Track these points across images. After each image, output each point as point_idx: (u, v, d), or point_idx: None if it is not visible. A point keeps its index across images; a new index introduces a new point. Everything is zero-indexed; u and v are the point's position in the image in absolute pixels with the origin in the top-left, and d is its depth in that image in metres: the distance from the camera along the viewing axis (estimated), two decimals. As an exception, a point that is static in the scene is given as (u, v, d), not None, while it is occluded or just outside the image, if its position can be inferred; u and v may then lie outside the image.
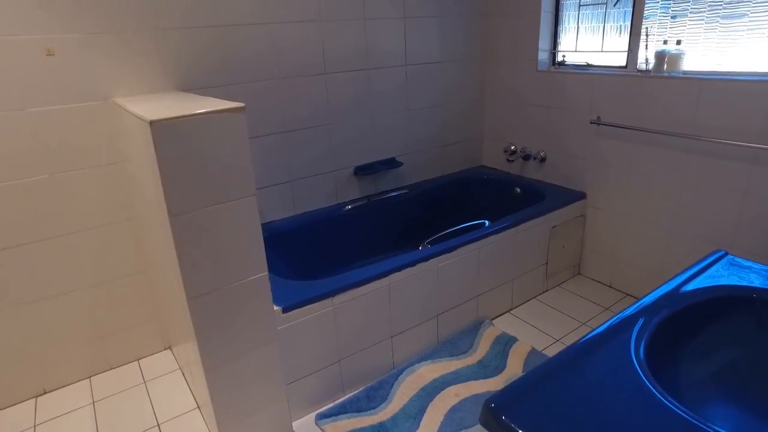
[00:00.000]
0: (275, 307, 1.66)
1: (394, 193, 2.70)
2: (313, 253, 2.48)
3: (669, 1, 2.15)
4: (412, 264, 1.98)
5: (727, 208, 2.08)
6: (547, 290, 2.61)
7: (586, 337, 0.97)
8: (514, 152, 2.89)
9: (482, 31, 2.86)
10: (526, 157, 2.83)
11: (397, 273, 1.94)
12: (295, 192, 2.44)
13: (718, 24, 2.04)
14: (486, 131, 3.07)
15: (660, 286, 1.14)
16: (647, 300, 1.07)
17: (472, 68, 2.89)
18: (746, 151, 1.96)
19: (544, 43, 2.62)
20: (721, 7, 2.02)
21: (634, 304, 1.06)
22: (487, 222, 2.32)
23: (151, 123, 1.24)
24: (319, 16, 2.26)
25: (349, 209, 2.55)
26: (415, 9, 2.56)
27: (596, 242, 2.63)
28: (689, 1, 2.09)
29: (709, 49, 2.09)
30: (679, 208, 2.23)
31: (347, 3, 2.32)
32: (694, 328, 1.07)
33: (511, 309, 2.46)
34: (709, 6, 2.05)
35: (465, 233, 2.22)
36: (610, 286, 2.61)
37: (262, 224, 2.36)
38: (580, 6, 2.49)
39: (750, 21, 1.96)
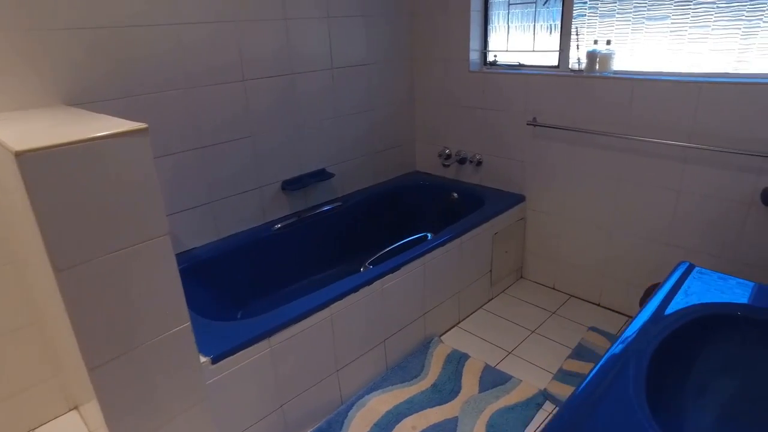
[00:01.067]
0: (202, 359, 1.41)
1: (326, 208, 2.50)
2: (242, 281, 2.23)
3: (597, 1, 2.14)
4: (355, 289, 1.80)
5: (662, 206, 2.09)
6: (492, 298, 2.53)
7: (581, 390, 0.85)
8: (449, 156, 2.80)
9: (410, 31, 2.73)
10: (462, 161, 2.74)
11: (339, 302, 1.75)
12: (216, 214, 2.16)
13: (643, 25, 2.05)
14: (418, 135, 2.95)
15: (639, 313, 1.05)
16: (631, 332, 0.97)
17: (400, 69, 2.75)
18: (678, 149, 1.98)
19: (474, 42, 2.54)
20: (645, 9, 2.02)
21: (619, 339, 0.95)
22: (429, 235, 2.20)
23: (18, 154, 0.96)
24: (234, 15, 2.01)
25: (279, 229, 2.32)
26: (340, 8, 2.37)
27: (538, 245, 2.59)
28: (616, 2, 2.09)
29: (636, 50, 2.09)
30: (617, 206, 2.23)
31: (265, 1, 2.09)
32: (685, 356, 0.99)
33: (459, 322, 2.36)
34: (634, 7, 2.05)
35: (408, 249, 2.08)
36: (553, 288, 2.59)
37: (179, 253, 2.07)
38: (509, 5, 2.43)
39: (672, 23, 1.97)
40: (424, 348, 2.16)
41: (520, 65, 2.47)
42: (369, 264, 1.97)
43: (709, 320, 1.03)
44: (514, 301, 2.50)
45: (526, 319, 2.35)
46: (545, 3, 2.29)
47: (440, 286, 2.19)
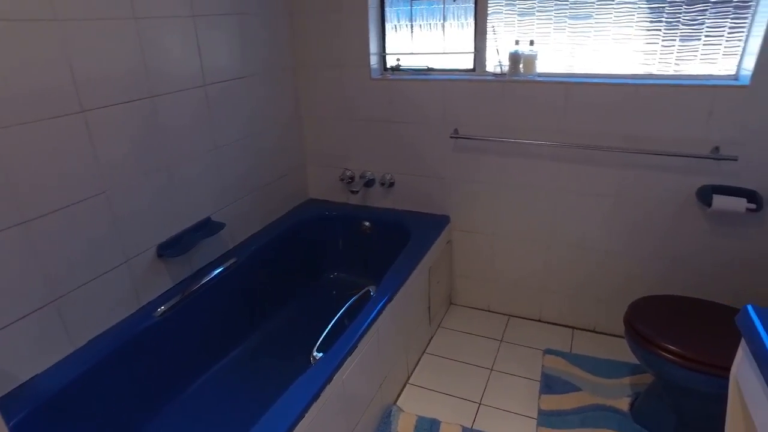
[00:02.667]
0: None
1: (218, 270, 1.87)
2: (123, 401, 1.53)
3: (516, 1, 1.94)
4: (316, 396, 1.31)
5: (600, 213, 2.00)
6: (432, 337, 2.23)
7: None
8: (352, 179, 2.38)
9: (291, 33, 2.22)
10: (369, 183, 2.35)
11: (301, 422, 1.25)
12: (65, 315, 1.42)
13: (566, 24, 1.91)
14: (309, 158, 2.46)
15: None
16: None
17: (283, 81, 2.22)
18: (614, 155, 1.89)
19: (374, 45, 2.15)
20: (567, 7, 1.88)
21: None
22: (371, 290, 1.80)
23: None
24: (54, 10, 1.29)
25: (163, 313, 1.65)
26: (207, 3, 1.77)
27: (467, 267, 2.35)
28: (534, 1, 1.91)
29: (561, 50, 1.95)
30: (553, 217, 2.09)
31: (99, -8, 1.40)
32: None
33: (409, 378, 2.00)
34: (555, 5, 1.89)
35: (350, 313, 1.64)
36: (489, 311, 2.38)
37: (7, 394, 1.30)
38: (412, 1, 2.09)
39: (596, 23, 1.87)
40: (385, 425, 1.75)
41: (429, 69, 2.17)
42: (316, 352, 1.49)
43: None
44: (456, 335, 2.23)
45: (477, 354, 2.10)
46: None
47: (392, 346, 1.80)
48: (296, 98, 2.33)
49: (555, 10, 1.89)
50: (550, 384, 1.91)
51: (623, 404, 1.80)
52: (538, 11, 1.92)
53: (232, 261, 1.94)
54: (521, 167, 2.06)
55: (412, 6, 2.10)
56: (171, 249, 1.71)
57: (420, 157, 2.23)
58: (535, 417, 1.77)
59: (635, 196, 1.92)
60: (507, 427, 1.74)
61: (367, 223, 2.32)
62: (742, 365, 1.11)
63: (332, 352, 1.45)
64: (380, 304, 1.65)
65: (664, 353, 1.53)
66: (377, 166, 2.33)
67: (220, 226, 1.88)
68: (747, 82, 1.65)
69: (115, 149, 1.51)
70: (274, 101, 2.18)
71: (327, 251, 2.41)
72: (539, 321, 2.29)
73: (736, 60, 1.74)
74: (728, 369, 1.45)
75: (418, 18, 2.12)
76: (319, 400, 1.31)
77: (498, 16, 1.97)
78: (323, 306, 2.30)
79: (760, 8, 1.63)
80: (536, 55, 1.94)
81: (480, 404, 1.85)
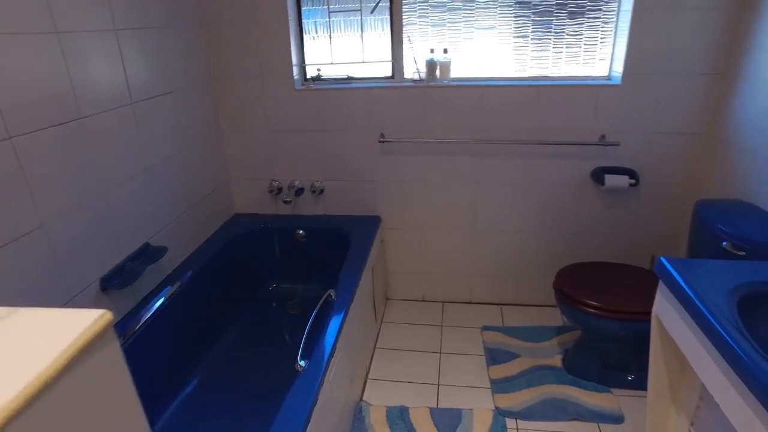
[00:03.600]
0: None
1: (160, 301, 1.76)
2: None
3: (427, 10, 2.11)
4: (314, 403, 1.33)
5: (515, 198, 2.27)
6: (379, 332, 2.32)
7: None
8: (280, 190, 2.37)
9: (210, 46, 2.15)
10: (299, 192, 2.37)
11: (308, 428, 1.27)
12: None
13: (474, 34, 2.14)
14: (233, 172, 2.39)
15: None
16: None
17: (205, 95, 2.14)
18: (522, 147, 2.17)
19: (294, 56, 2.18)
20: (474, 19, 2.11)
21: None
22: (332, 293, 1.82)
23: None
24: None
25: (115, 349, 1.53)
26: (129, 17, 1.65)
27: (399, 262, 2.49)
28: (446, 11, 2.11)
29: (471, 56, 2.18)
30: (474, 207, 2.32)
31: (19, 3, 1.26)
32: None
33: (368, 373, 2.07)
34: (464, 17, 2.11)
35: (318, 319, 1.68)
36: (424, 300, 2.55)
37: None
38: (330, 13, 2.16)
39: (499, 33, 2.12)
40: (359, 421, 1.81)
41: (350, 78, 2.26)
42: (300, 361, 1.49)
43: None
44: (399, 327, 2.36)
45: (424, 341, 2.25)
46: (372, 11, 2.13)
47: (356, 346, 1.86)
48: (217, 112, 2.26)
49: (464, 21, 2.11)
50: (493, 356, 2.13)
51: (557, 361, 2.08)
52: (449, 23, 2.12)
53: (176, 286, 1.84)
54: (444, 164, 2.26)
55: (330, 18, 2.18)
56: (116, 281, 1.58)
57: (348, 162, 2.31)
58: (489, 387, 1.97)
59: (542, 181, 2.23)
60: (468, 400, 1.91)
61: (301, 232, 2.34)
62: (661, 304, 1.39)
63: (316, 358, 1.48)
64: (345, 308, 1.71)
65: (587, 309, 1.83)
66: (306, 175, 2.36)
67: (162, 250, 1.77)
68: (619, 82, 2.02)
69: (49, 178, 1.36)
70: (197, 116, 2.10)
71: (264, 264, 2.38)
72: (471, 303, 2.52)
73: (608, 64, 2.11)
74: (636, 314, 1.78)
75: (336, 29, 2.20)
76: (317, 405, 1.34)
77: (413, 27, 2.14)
78: (266, 320, 2.27)
79: (621, 22, 2.00)
80: (450, 61, 2.14)
81: (439, 385, 2.00)
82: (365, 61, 2.23)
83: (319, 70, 2.25)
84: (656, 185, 2.14)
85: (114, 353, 0.50)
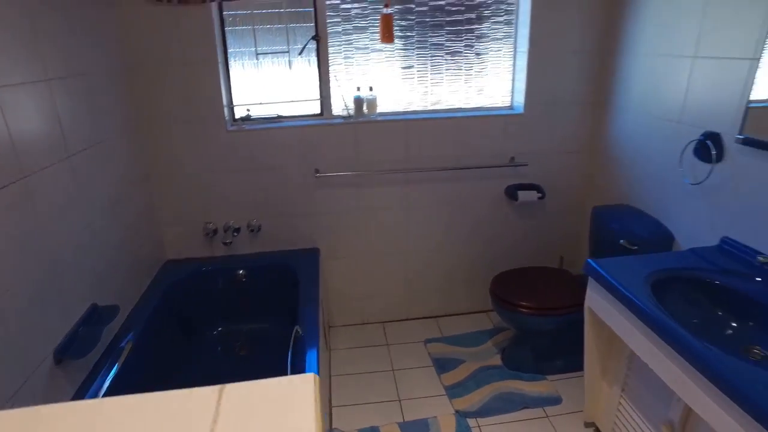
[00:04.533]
0: None
1: (115, 368, 1.64)
2: None
3: (352, 51, 2.25)
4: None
5: (444, 219, 2.50)
6: (330, 360, 2.37)
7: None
8: (215, 232, 2.32)
9: (137, 91, 2.05)
10: (236, 232, 2.34)
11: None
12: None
13: (396, 72, 2.33)
14: (164, 218, 2.27)
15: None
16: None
17: (137, 141, 2.03)
18: (448, 173, 2.41)
19: (225, 97, 2.17)
20: (395, 58, 2.30)
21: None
22: (299, 329, 1.83)
23: None
24: None
25: None
26: (57, 65, 1.54)
27: (339, 290, 2.57)
28: (369, 52, 2.27)
29: (395, 93, 2.36)
30: (407, 231, 2.50)
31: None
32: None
33: (331, 401, 2.11)
34: (386, 57, 2.29)
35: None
36: (365, 324, 2.65)
37: None
38: (257, 55, 2.19)
39: (417, 71, 2.35)
40: (336, 451, 1.85)
41: (279, 117, 2.31)
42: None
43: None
44: (348, 352, 2.43)
45: (375, 362, 2.35)
46: (300, 53, 2.22)
47: (322, 377, 1.91)
48: (147, 159, 2.15)
49: (386, 61, 2.30)
50: (441, 365, 2.31)
51: (497, 360, 2.33)
52: (373, 62, 2.29)
53: (128, 347, 1.72)
54: (377, 194, 2.41)
55: (258, 60, 2.21)
56: (71, 351, 1.45)
57: (284, 198, 2.35)
58: (445, 393, 2.14)
59: (465, 201, 2.49)
60: (430, 409, 2.06)
61: (241, 272, 2.31)
62: (592, 296, 1.69)
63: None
64: (316, 342, 1.76)
65: (522, 309, 2.10)
66: (241, 214, 2.34)
67: (112, 309, 1.65)
68: (521, 111, 2.36)
69: (-2, 247, 1.23)
70: (129, 164, 1.98)
71: (206, 309, 2.29)
72: (409, 320, 2.68)
73: (511, 96, 2.45)
74: (561, 308, 2.08)
75: (264, 68, 2.24)
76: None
77: (339, 66, 2.27)
78: (217, 365, 2.20)
79: (518, 62, 2.35)
80: (376, 98, 2.31)
81: (400, 400, 2.12)
82: (294, 100, 2.30)
83: (248, 110, 2.27)
84: (559, 197, 2.52)
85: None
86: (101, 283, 1.73)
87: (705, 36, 1.71)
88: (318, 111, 2.34)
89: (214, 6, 2.06)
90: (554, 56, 2.26)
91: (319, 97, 2.31)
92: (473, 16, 2.29)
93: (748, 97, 1.55)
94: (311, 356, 1.67)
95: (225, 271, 2.31)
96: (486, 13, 2.30)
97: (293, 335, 1.78)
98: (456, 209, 2.50)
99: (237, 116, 2.29)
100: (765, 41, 1.49)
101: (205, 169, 2.25)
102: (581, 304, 2.04)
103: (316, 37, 2.20)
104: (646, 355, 1.42)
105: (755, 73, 1.53)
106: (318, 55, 2.24)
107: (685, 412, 1.41)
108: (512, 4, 2.30)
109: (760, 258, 1.48)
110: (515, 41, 2.35)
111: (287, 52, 2.22)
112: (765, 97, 1.51)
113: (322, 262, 2.47)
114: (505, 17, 2.32)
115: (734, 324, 1.47)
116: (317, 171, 2.31)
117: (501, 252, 2.62)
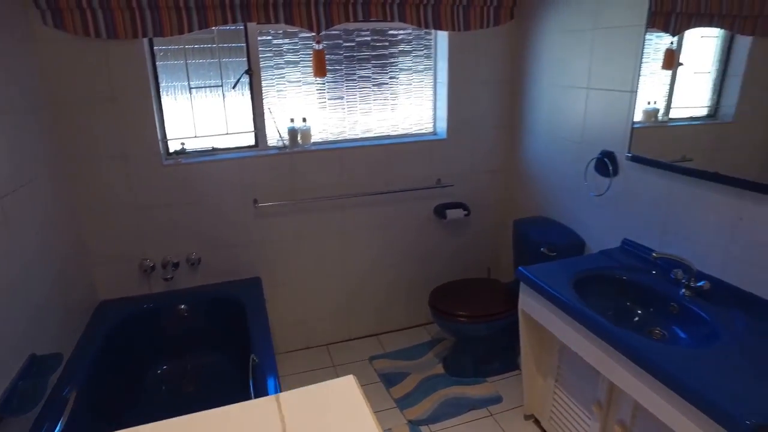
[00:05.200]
0: None
1: (61, 425, 1.55)
2: None
3: (285, 84, 2.33)
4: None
5: (378, 241, 2.63)
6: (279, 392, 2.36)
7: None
8: (153, 267, 2.25)
9: (71, 127, 1.97)
10: (175, 266, 2.28)
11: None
12: None
13: (326, 103, 2.44)
14: (97, 258, 2.16)
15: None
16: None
17: (65, 179, 1.93)
18: (381, 196, 2.55)
19: (160, 131, 2.14)
20: (326, 91, 2.42)
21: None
22: (254, 358, 1.82)
23: None
24: None
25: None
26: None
27: (281, 317, 2.59)
28: (301, 85, 2.37)
29: (328, 122, 2.47)
30: (345, 253, 2.59)
31: None
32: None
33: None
34: (317, 90, 2.40)
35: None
36: (309, 348, 2.68)
37: None
38: (191, 89, 2.19)
39: (347, 102, 2.48)
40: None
41: (214, 149, 2.31)
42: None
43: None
44: (296, 377, 2.45)
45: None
46: (234, 86, 2.25)
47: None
48: (76, 196, 2.05)
49: (317, 93, 2.41)
50: (389, 380, 2.41)
51: (439, 369, 2.47)
52: (305, 94, 2.39)
53: (72, 398, 1.63)
54: (315, 220, 2.49)
55: (191, 94, 2.22)
56: (11, 408, 1.36)
57: (224, 230, 2.35)
58: (395, 406, 2.24)
59: (397, 222, 2.64)
60: (384, 422, 2.14)
61: (182, 306, 2.26)
62: (525, 299, 1.90)
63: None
64: (274, 369, 1.78)
65: (460, 318, 2.27)
66: (180, 248, 2.30)
67: (54, 358, 1.56)
68: (444, 136, 2.58)
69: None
70: (58, 203, 1.88)
71: (148, 347, 2.20)
72: (351, 339, 2.76)
73: (433, 122, 2.67)
74: (494, 314, 2.28)
75: (197, 101, 2.24)
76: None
77: (273, 98, 2.34)
78: (163, 405, 2.12)
79: (439, 92, 2.58)
80: (310, 128, 2.41)
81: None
82: (229, 132, 2.33)
83: (183, 143, 2.26)
84: (483, 213, 2.77)
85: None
86: (37, 330, 1.63)
87: (594, 71, 2.03)
88: (253, 142, 2.39)
89: (145, 40, 2.06)
90: (470, 86, 2.52)
91: (253, 129, 2.36)
92: (396, 50, 2.49)
93: (632, 121, 1.87)
94: (271, 382, 1.70)
95: (165, 308, 2.24)
96: (407, 48, 2.51)
97: (250, 364, 1.80)
98: (390, 230, 2.64)
99: (171, 150, 2.26)
100: (638, 77, 1.82)
101: (140, 205, 2.19)
102: (511, 309, 2.27)
103: (249, 72, 2.26)
104: (574, 344, 1.64)
105: (635, 102, 1.85)
106: (251, 89, 2.30)
107: (609, 389, 1.64)
108: (430, 40, 2.53)
109: (654, 254, 1.77)
110: (435, 73, 2.58)
111: (220, 85, 2.25)
112: (638, 121, 1.84)
113: (265, 290, 2.48)
114: (425, 51, 2.54)
115: (639, 311, 1.74)
116: (256, 201, 2.34)
117: (434, 267, 2.80)
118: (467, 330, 2.31)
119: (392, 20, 2.26)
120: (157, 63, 2.15)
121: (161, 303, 2.25)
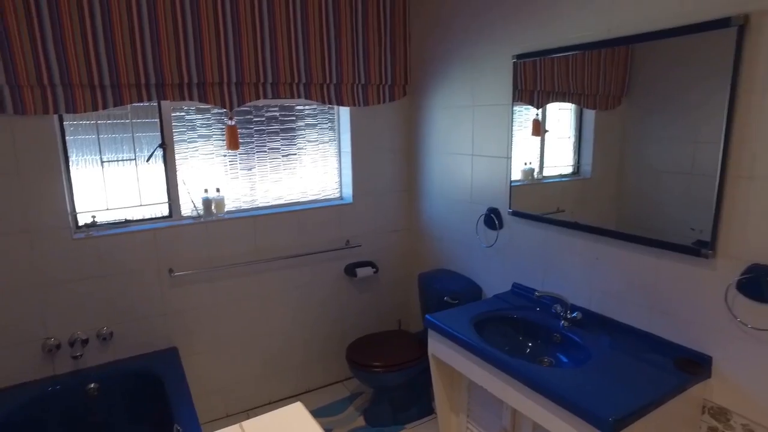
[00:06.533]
0: None
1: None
2: None
3: (198, 158, 2.43)
4: None
5: (294, 302, 2.73)
6: (198, 462, 2.28)
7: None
8: (59, 347, 2.13)
9: None
10: (84, 343, 2.18)
11: None
12: None
13: (238, 173, 2.57)
14: (-12, 340, 2.01)
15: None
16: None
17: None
18: (294, 260, 2.68)
19: (69, 204, 2.11)
20: (237, 162, 2.56)
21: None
22: (179, 428, 1.76)
23: None
24: None
25: None
26: None
27: (200, 385, 2.53)
28: (214, 157, 2.48)
29: (241, 191, 2.59)
30: (264, 317, 2.65)
31: None
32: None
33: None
34: (229, 162, 2.53)
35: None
36: (227, 416, 2.62)
37: None
38: (102, 162, 2.21)
39: (259, 172, 2.63)
40: None
41: (127, 221, 2.31)
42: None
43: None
44: (214, 450, 2.38)
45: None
46: (148, 159, 2.31)
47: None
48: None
49: (229, 164, 2.54)
50: (311, 438, 2.44)
51: (360, 421, 2.56)
52: (218, 165, 2.51)
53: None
54: (231, 286, 2.54)
55: (103, 168, 2.24)
56: None
57: (138, 302, 2.31)
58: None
59: (312, 284, 2.77)
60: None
61: (92, 386, 2.15)
62: (433, 344, 2.11)
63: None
64: (198, 435, 1.78)
65: (375, 369, 2.42)
66: (89, 323, 2.22)
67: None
68: (350, 200, 2.82)
69: None
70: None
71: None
72: (272, 403, 2.75)
73: (339, 188, 2.90)
74: (407, 362, 2.46)
75: (109, 173, 2.26)
76: None
77: (186, 170, 2.43)
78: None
79: (344, 161, 2.84)
80: (223, 198, 2.51)
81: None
82: (143, 204, 2.36)
83: (94, 216, 2.24)
84: (390, 269, 2.99)
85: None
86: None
87: (476, 141, 2.41)
88: (167, 213, 2.43)
89: (55, 116, 2.08)
90: (372, 154, 2.81)
91: (167, 199, 2.41)
92: (303, 124, 2.73)
93: (510, 182, 2.24)
94: (198, 451, 1.70)
95: (72, 389, 2.12)
96: (313, 122, 2.76)
97: (174, 435, 1.77)
98: (304, 291, 2.76)
99: (81, 223, 2.23)
100: (512, 145, 2.21)
101: (46, 281, 2.11)
102: (422, 356, 2.47)
103: (163, 145, 2.35)
104: (479, 379, 1.86)
105: (511, 166, 2.24)
106: (165, 161, 2.38)
107: (512, 415, 1.87)
108: (333, 114, 2.81)
109: (536, 293, 2.09)
110: (339, 144, 2.84)
111: (134, 158, 2.30)
112: (519, 179, 2.22)
113: (182, 359, 2.44)
114: (329, 124, 2.81)
115: (530, 344, 2.02)
116: (171, 270, 2.36)
117: (349, 323, 2.94)
118: (384, 379, 2.45)
119: (299, 98, 2.51)
120: (67, 138, 2.16)
121: (68, 385, 2.13)
